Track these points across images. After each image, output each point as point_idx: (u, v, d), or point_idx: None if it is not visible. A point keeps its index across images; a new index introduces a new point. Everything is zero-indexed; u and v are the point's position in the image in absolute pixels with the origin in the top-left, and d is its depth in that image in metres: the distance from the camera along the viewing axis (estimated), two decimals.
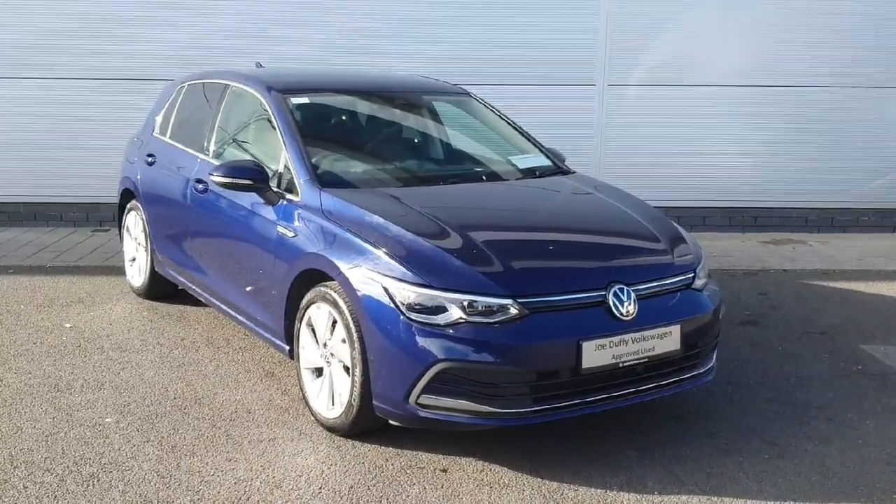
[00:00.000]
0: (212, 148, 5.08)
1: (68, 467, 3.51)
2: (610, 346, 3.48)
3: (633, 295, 3.60)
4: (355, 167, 4.66)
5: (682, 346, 3.69)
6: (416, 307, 3.44)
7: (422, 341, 3.39)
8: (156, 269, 5.63)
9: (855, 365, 4.83)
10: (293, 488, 3.37)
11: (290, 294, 4.04)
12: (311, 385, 3.95)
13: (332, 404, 3.81)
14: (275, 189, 4.31)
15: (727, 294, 5.32)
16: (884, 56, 8.24)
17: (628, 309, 3.56)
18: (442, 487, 3.40)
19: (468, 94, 5.50)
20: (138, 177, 5.78)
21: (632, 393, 3.62)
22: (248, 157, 4.78)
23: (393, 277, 3.52)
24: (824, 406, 4.25)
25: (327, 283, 3.81)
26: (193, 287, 5.19)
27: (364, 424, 3.69)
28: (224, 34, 7.93)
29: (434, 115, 5.40)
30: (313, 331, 3.92)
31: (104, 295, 5.96)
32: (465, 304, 3.41)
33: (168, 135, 5.68)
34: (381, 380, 3.53)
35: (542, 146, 5.20)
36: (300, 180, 4.22)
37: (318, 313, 3.85)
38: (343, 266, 3.70)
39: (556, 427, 3.82)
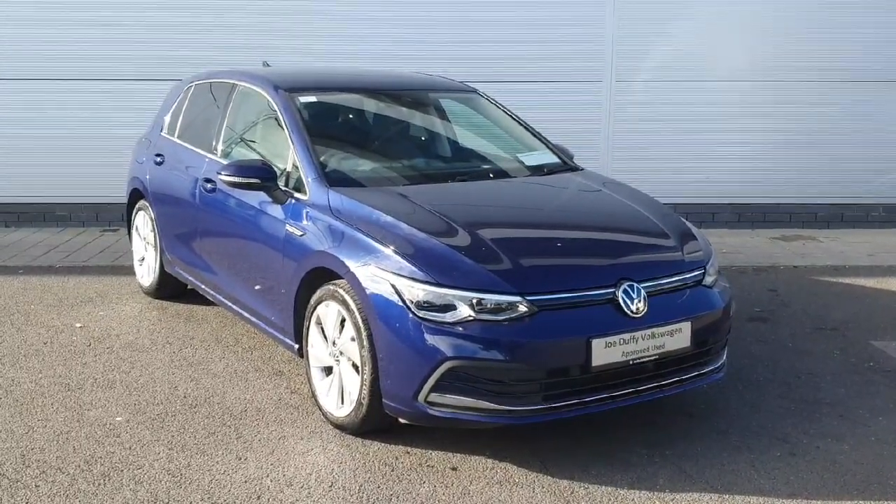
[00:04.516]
0: (220, 147, 5.09)
1: (80, 466, 3.52)
2: (620, 344, 3.47)
3: (642, 292, 3.59)
4: (363, 165, 4.66)
5: (693, 344, 3.67)
6: (425, 305, 3.44)
7: (431, 339, 3.39)
8: (165, 269, 5.64)
9: (866, 361, 4.80)
10: (303, 486, 3.37)
11: (299, 293, 4.04)
12: (321, 383, 3.95)
13: (342, 402, 3.81)
14: (283, 188, 4.31)
15: (737, 291, 5.29)
16: (894, 51, 8.19)
17: (638, 306, 3.55)
18: (452, 486, 3.40)
19: (475, 91, 5.49)
20: (147, 177, 5.80)
21: (642, 390, 3.61)
22: (256, 157, 4.79)
23: (402, 275, 3.51)
24: (836, 403, 4.23)
25: (336, 281, 3.81)
26: (202, 286, 5.19)
27: (373, 423, 3.69)
28: (230, 34, 7.93)
29: (441, 113, 5.39)
30: (322, 329, 3.92)
31: (114, 295, 5.98)
32: (474, 301, 3.41)
33: (176, 135, 5.69)
34: (391, 378, 3.52)
35: (550, 143, 5.19)
36: (308, 179, 4.22)
37: (327, 312, 3.85)
38: (352, 264, 3.69)
39: (566, 425, 3.81)
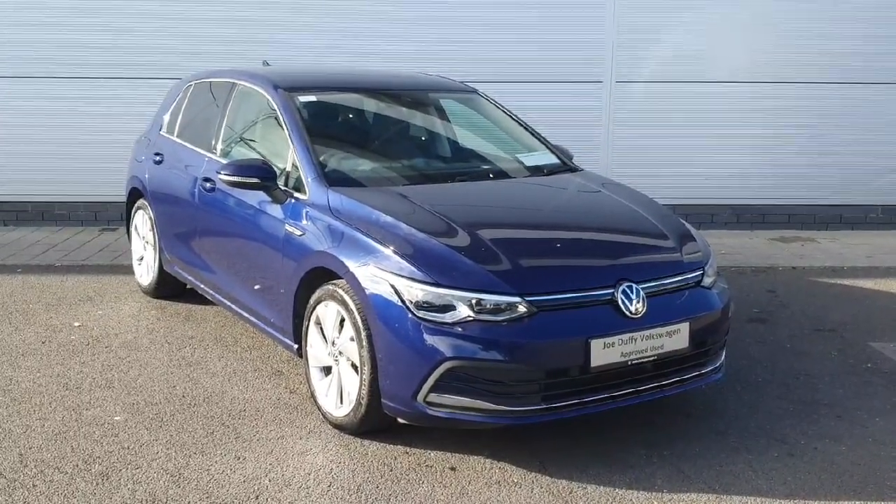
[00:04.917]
0: (219, 146, 5.09)
1: (78, 466, 3.52)
2: (618, 344, 3.48)
3: (641, 293, 3.59)
4: (363, 165, 4.66)
5: (691, 344, 3.68)
6: (425, 305, 3.44)
7: (430, 339, 3.39)
8: (164, 268, 5.64)
9: (864, 362, 4.81)
10: (302, 486, 3.38)
11: (299, 292, 4.04)
12: (320, 383, 3.96)
13: (341, 403, 3.81)
14: (282, 187, 4.31)
15: (736, 292, 5.30)
16: (893, 52, 8.21)
17: (637, 307, 3.55)
18: (451, 486, 3.40)
19: (475, 91, 5.49)
20: (146, 176, 5.79)
21: (641, 391, 3.62)
22: (255, 156, 4.79)
23: (401, 276, 3.51)
24: (834, 404, 4.24)
25: (335, 281, 3.81)
26: (202, 286, 5.19)
27: (372, 423, 3.70)
28: (230, 33, 7.94)
29: (441, 113, 5.39)
30: (321, 329, 3.93)
31: (112, 294, 5.98)
32: (474, 302, 3.41)
33: (175, 134, 5.69)
34: (390, 378, 3.53)
35: (550, 144, 5.19)
36: (308, 179, 4.22)
37: (327, 312, 3.85)
38: (351, 264, 3.69)
39: (564, 425, 3.81)
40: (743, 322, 5.44)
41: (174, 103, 5.89)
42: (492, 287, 3.44)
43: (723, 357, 4.00)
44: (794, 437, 3.86)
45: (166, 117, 5.90)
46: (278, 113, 4.62)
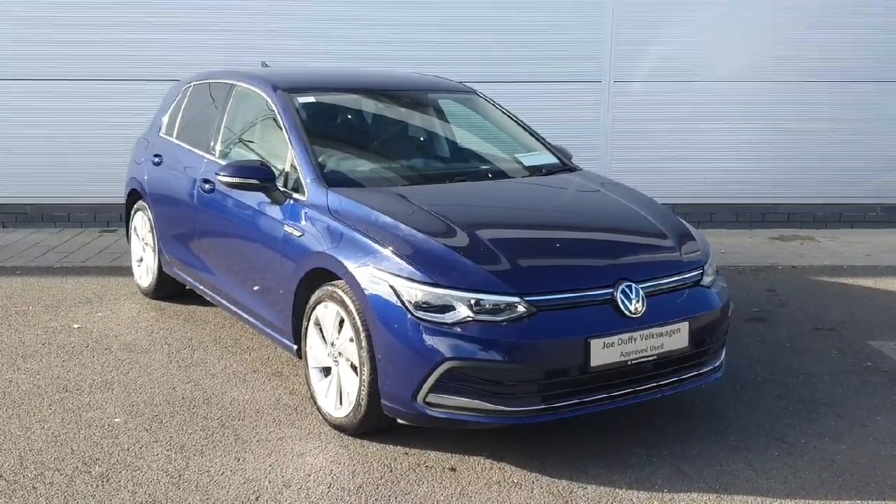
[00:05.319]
0: (218, 148, 5.09)
1: (78, 468, 3.51)
2: (618, 344, 3.47)
3: (641, 292, 3.59)
4: (361, 166, 4.66)
5: (691, 344, 3.68)
6: (424, 306, 3.44)
7: (429, 340, 3.39)
8: (163, 270, 5.64)
9: (864, 361, 4.81)
10: (302, 488, 3.38)
11: (298, 293, 4.04)
12: (319, 384, 3.96)
13: (340, 403, 3.81)
14: (281, 188, 4.31)
15: (735, 291, 5.30)
16: (892, 51, 8.21)
17: (636, 306, 3.55)
18: (450, 486, 3.40)
19: (474, 91, 5.49)
20: (145, 177, 5.79)
21: (641, 391, 3.61)
22: (254, 157, 4.79)
23: (400, 276, 3.51)
24: (833, 403, 4.24)
25: (335, 282, 3.81)
26: (201, 287, 5.19)
27: (372, 423, 3.69)
28: (229, 35, 7.93)
29: (440, 114, 5.39)
30: (321, 330, 3.93)
31: (112, 295, 5.97)
32: (473, 302, 3.41)
33: (174, 135, 5.69)
34: (389, 379, 3.52)
35: (549, 143, 5.19)
36: (306, 179, 4.22)
37: (326, 312, 3.85)
38: (350, 265, 3.69)
39: (564, 425, 3.81)
40: (742, 321, 5.44)
41: (173, 105, 5.89)
42: (491, 287, 3.44)
43: (722, 356, 4.00)
44: (793, 436, 3.86)
45: (165, 119, 5.90)
46: (277, 114, 4.62)
